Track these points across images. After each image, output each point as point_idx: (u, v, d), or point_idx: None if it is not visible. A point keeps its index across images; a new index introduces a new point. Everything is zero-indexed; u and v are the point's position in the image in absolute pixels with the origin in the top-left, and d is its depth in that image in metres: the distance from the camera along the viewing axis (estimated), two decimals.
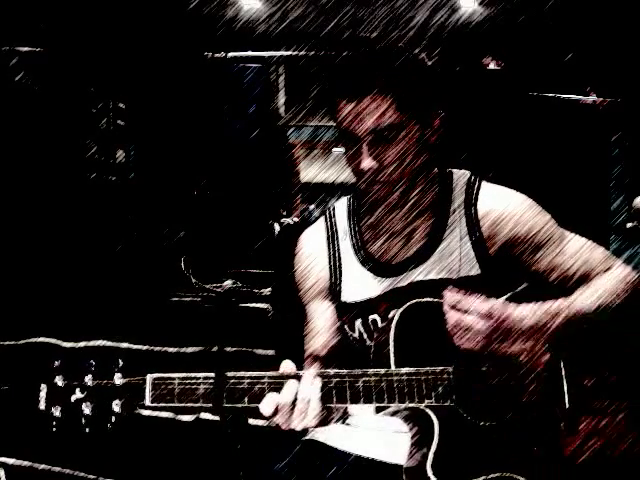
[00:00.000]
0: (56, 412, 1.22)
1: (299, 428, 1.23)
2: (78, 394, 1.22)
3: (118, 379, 1.24)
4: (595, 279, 1.39)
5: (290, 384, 1.23)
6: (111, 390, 1.23)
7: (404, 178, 1.39)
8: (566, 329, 1.31)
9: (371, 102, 1.31)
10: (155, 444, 2.39)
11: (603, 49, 4.74)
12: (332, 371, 1.28)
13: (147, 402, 1.24)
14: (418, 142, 1.38)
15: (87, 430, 1.22)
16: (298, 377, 1.25)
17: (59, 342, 2.70)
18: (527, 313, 1.27)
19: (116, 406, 1.23)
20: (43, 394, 1.22)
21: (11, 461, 2.38)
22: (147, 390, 1.23)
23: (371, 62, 1.33)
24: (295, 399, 1.22)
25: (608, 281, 1.38)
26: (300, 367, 1.53)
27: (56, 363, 1.24)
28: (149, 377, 1.24)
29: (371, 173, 1.35)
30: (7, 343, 2.68)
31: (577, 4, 5.17)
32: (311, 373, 1.25)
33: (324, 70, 1.43)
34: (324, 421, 1.27)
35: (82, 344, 2.70)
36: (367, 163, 1.34)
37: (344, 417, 1.44)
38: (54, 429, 1.22)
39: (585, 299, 1.35)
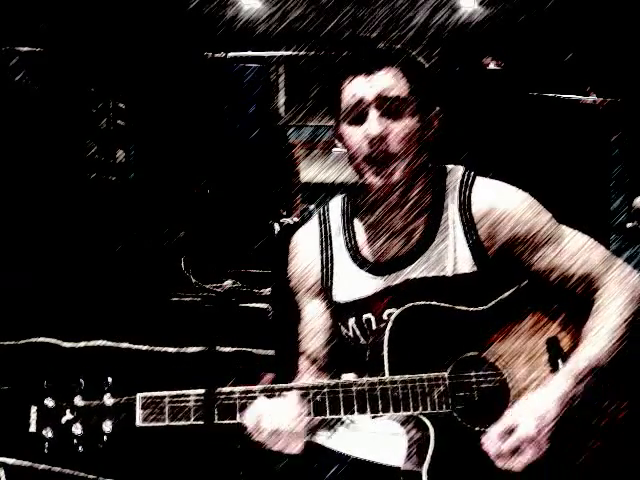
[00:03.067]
0: (47, 434, 1.22)
1: (276, 448, 1.24)
2: (68, 415, 1.23)
3: (108, 399, 1.24)
4: (603, 299, 1.35)
5: (256, 404, 1.24)
6: (101, 410, 1.23)
7: (404, 167, 1.39)
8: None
9: (383, 74, 1.38)
10: (155, 444, 2.38)
11: (603, 49, 4.73)
12: (324, 382, 1.27)
13: (138, 422, 1.24)
14: (419, 133, 1.39)
15: (79, 450, 1.22)
16: (289, 389, 1.24)
17: (59, 342, 2.70)
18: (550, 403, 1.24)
19: (106, 426, 1.23)
20: (34, 416, 1.22)
21: (11, 461, 2.38)
22: (137, 410, 1.24)
23: (384, 44, 1.43)
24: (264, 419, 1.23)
25: (613, 309, 1.34)
26: (293, 367, 1.52)
27: (46, 383, 1.24)
28: (139, 396, 1.25)
29: (377, 141, 1.36)
30: (7, 343, 2.68)
31: (577, 4, 5.16)
32: (294, 399, 1.24)
33: (334, 53, 1.48)
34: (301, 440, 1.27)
35: (82, 344, 2.69)
36: (375, 128, 1.36)
37: (332, 426, 1.44)
38: (46, 450, 1.22)
39: (599, 342, 1.31)
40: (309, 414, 1.25)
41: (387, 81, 1.37)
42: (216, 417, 1.23)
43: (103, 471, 2.38)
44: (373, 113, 1.36)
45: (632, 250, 4.11)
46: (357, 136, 1.39)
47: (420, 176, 1.45)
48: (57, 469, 2.39)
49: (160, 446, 2.40)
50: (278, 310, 2.80)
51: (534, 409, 1.23)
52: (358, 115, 1.38)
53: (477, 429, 1.28)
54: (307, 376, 1.48)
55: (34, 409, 1.22)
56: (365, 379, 1.27)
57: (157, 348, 2.70)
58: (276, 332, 2.67)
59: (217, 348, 2.65)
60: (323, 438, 1.39)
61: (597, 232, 1.47)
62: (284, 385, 1.26)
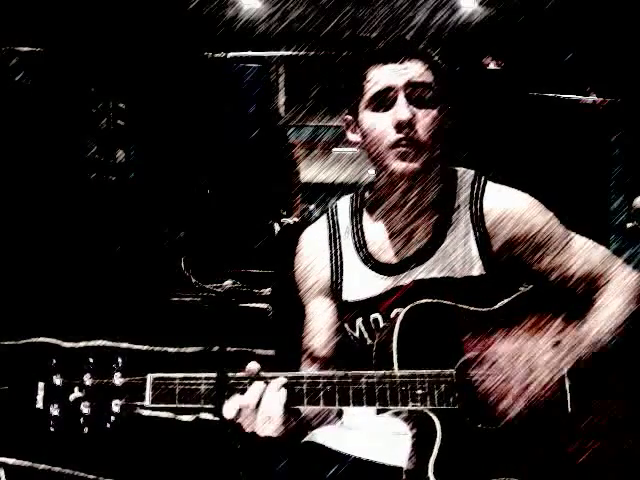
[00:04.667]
0: (54, 411, 1.20)
1: (262, 434, 1.22)
2: (77, 393, 1.21)
3: (118, 379, 1.22)
4: (604, 297, 1.38)
5: (255, 386, 1.23)
6: (111, 390, 1.22)
7: (427, 155, 1.39)
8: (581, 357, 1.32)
9: (413, 63, 1.39)
10: (155, 444, 2.39)
11: (603, 49, 4.74)
12: (334, 372, 1.27)
13: (147, 402, 1.22)
14: (440, 126, 1.40)
15: (86, 430, 1.20)
16: (263, 379, 1.24)
17: (59, 342, 2.70)
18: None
19: (116, 406, 1.21)
20: (41, 393, 1.20)
21: (11, 461, 2.38)
22: (147, 390, 1.22)
23: (411, 39, 1.45)
24: (259, 403, 1.22)
25: (616, 298, 1.37)
26: (297, 367, 1.52)
27: (54, 361, 1.22)
28: (149, 377, 1.22)
29: (406, 126, 1.36)
30: (7, 343, 2.68)
31: (577, 4, 5.17)
32: (279, 381, 1.24)
33: (359, 44, 1.49)
34: (293, 431, 1.27)
35: (82, 344, 2.69)
36: (405, 113, 1.36)
37: (334, 421, 1.43)
38: (52, 428, 1.20)
39: (600, 325, 1.34)
40: (319, 404, 1.25)
41: (417, 70, 1.39)
42: (226, 402, 1.23)
43: (103, 471, 2.38)
44: (402, 99, 1.37)
45: (632, 250, 4.12)
46: (383, 122, 1.38)
47: (431, 175, 1.45)
48: (57, 469, 2.39)
49: (160, 446, 2.40)
50: (278, 310, 2.80)
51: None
52: (385, 102, 1.39)
53: (480, 427, 1.28)
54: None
55: (41, 385, 1.20)
56: (375, 372, 1.27)
57: (157, 348, 2.70)
58: (276, 332, 2.68)
59: (218, 348, 2.65)
60: (323, 438, 1.39)
61: (597, 232, 1.47)
62: (295, 373, 1.26)
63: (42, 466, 2.39)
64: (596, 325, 1.34)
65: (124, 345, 2.68)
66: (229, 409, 1.22)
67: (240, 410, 1.22)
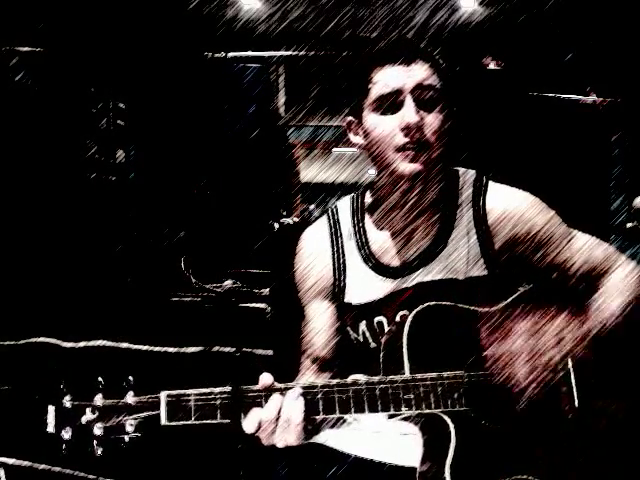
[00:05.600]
0: (66, 435, 1.17)
1: (280, 445, 1.21)
2: (89, 415, 1.18)
3: (130, 397, 1.19)
4: (606, 287, 1.39)
5: (274, 399, 1.21)
6: (124, 409, 1.19)
7: (434, 158, 1.39)
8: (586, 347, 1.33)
9: (420, 66, 1.39)
10: (155, 444, 2.38)
11: (603, 49, 4.73)
12: (347, 380, 1.26)
13: (163, 421, 1.19)
14: (445, 128, 1.39)
15: (99, 452, 1.18)
16: (280, 390, 1.22)
17: (59, 342, 2.70)
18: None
19: (130, 426, 1.19)
20: (51, 417, 1.17)
21: (11, 461, 2.38)
22: (162, 408, 1.19)
23: (416, 40, 1.44)
24: (279, 415, 1.21)
25: (619, 287, 1.38)
26: (296, 367, 1.52)
27: (62, 383, 1.18)
28: (163, 395, 1.20)
29: (414, 129, 1.36)
30: (7, 343, 2.68)
31: (577, 4, 5.17)
32: (296, 391, 1.23)
33: (361, 44, 1.47)
34: (308, 437, 1.26)
35: (82, 344, 2.69)
36: (414, 116, 1.35)
37: (338, 424, 1.43)
38: (64, 452, 1.16)
39: (602, 312, 1.36)
40: (334, 413, 1.24)
41: (425, 72, 1.38)
42: (243, 416, 1.21)
43: (103, 471, 2.38)
44: (410, 102, 1.36)
45: (632, 250, 4.11)
46: (389, 125, 1.38)
47: (433, 175, 1.44)
48: (57, 469, 2.39)
49: (160, 446, 2.40)
50: (277, 310, 2.80)
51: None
52: (392, 104, 1.38)
53: (493, 426, 1.28)
54: (309, 374, 1.48)
55: (52, 409, 1.17)
56: (388, 377, 1.26)
57: (157, 348, 2.70)
58: (275, 332, 2.67)
59: (218, 348, 2.65)
60: (323, 439, 1.39)
61: (597, 232, 1.48)
62: (310, 383, 1.25)
63: (42, 466, 2.38)
64: (598, 312, 1.35)
65: (124, 345, 2.68)
66: (249, 423, 1.20)
67: (260, 423, 1.20)
